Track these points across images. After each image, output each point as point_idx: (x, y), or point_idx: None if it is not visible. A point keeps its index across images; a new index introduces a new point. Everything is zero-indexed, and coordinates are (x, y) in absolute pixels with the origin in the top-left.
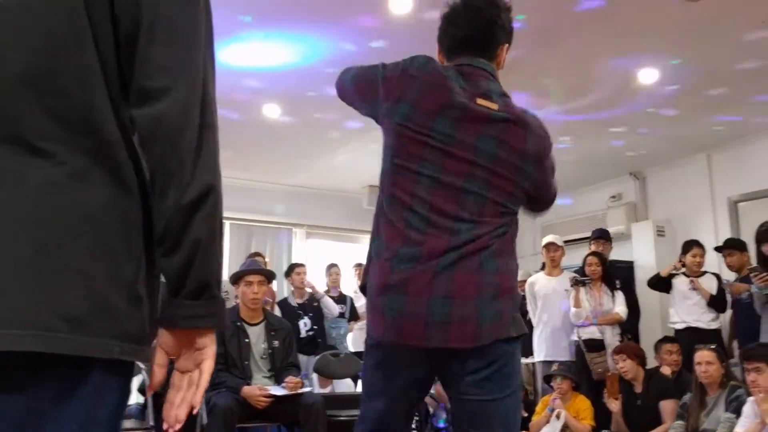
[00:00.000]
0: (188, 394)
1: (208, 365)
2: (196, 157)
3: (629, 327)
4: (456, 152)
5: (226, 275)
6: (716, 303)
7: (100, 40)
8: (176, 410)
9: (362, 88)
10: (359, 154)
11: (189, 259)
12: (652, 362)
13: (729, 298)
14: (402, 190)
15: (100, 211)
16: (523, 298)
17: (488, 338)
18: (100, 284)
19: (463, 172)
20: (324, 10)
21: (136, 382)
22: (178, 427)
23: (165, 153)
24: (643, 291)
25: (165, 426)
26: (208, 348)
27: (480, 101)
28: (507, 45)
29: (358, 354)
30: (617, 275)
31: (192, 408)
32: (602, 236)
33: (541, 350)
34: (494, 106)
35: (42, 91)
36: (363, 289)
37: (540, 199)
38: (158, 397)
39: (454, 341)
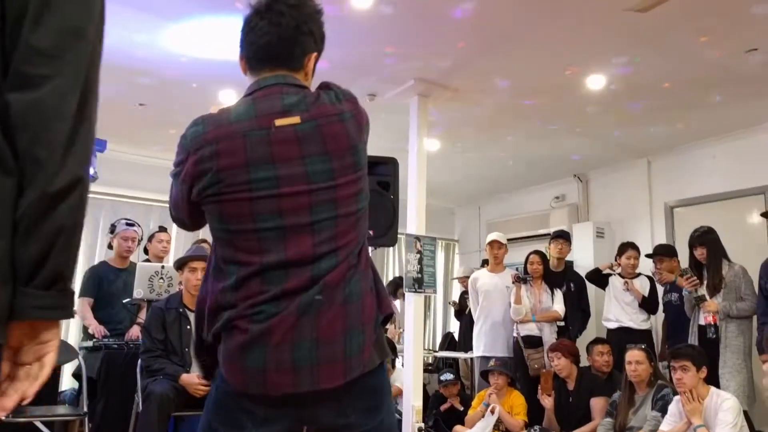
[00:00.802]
0: (23, 386)
1: (50, 358)
2: (68, 149)
3: (580, 327)
4: (287, 191)
5: (172, 261)
6: (648, 304)
7: None
8: (4, 400)
9: (186, 208)
10: None
11: (47, 248)
12: (585, 361)
13: (660, 300)
14: (246, 253)
15: None
16: (466, 293)
17: (357, 371)
18: None
19: (305, 206)
20: None
21: (71, 366)
22: (2, 415)
23: (36, 140)
24: None
25: None
26: (53, 341)
27: (279, 122)
28: (316, 54)
29: None
30: (572, 278)
31: (23, 398)
32: (562, 236)
33: (479, 345)
34: (296, 120)
35: None
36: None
37: None
38: (93, 382)
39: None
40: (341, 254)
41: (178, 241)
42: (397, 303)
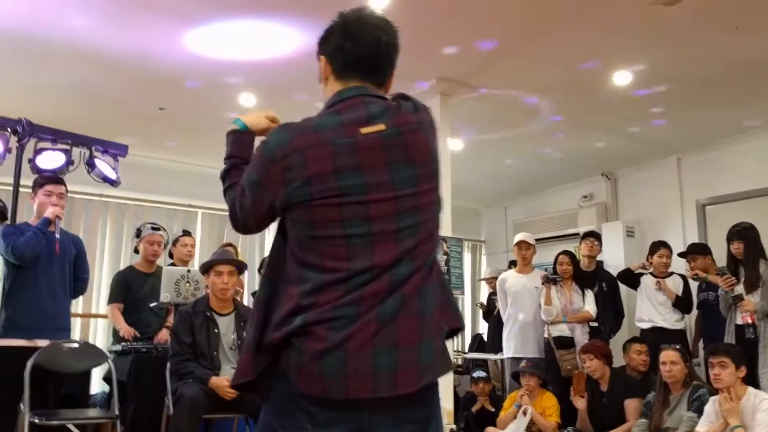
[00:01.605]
0: None
1: None
2: None
3: (613, 327)
4: (374, 197)
5: (197, 265)
6: (682, 304)
7: None
8: None
9: (259, 214)
10: None
11: None
12: (619, 360)
13: (695, 299)
14: (332, 259)
15: None
16: (493, 294)
17: (428, 379)
18: None
19: (391, 213)
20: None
21: (101, 371)
22: None
23: None
24: None
25: None
26: None
27: (365, 130)
28: (393, 71)
29: None
30: (604, 278)
31: None
32: (593, 235)
33: (510, 347)
34: (381, 128)
35: None
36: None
37: None
38: (123, 386)
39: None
40: (417, 262)
41: (202, 245)
42: None
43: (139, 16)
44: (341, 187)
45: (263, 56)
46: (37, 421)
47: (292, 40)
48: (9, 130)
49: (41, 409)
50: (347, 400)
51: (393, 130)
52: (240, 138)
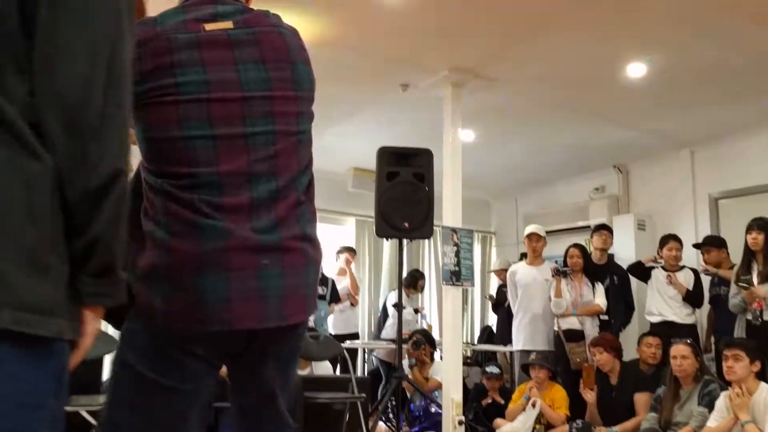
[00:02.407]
0: None
1: (85, 342)
2: (99, 140)
3: (623, 321)
4: (217, 96)
5: None
6: (692, 298)
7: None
8: None
9: None
10: (344, 136)
11: (91, 245)
12: (629, 354)
13: (707, 294)
14: (174, 165)
15: None
16: (503, 286)
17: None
18: None
19: (237, 115)
20: None
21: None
22: None
23: (64, 131)
24: None
25: None
26: (90, 323)
27: (209, 26)
28: None
29: (337, 336)
30: (615, 271)
31: None
32: (605, 228)
33: (519, 339)
34: (228, 25)
35: None
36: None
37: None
38: None
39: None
40: (282, 179)
41: None
42: (417, 296)
43: None
44: (179, 83)
45: None
46: None
47: (308, 28)
48: None
49: None
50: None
51: (243, 30)
52: None
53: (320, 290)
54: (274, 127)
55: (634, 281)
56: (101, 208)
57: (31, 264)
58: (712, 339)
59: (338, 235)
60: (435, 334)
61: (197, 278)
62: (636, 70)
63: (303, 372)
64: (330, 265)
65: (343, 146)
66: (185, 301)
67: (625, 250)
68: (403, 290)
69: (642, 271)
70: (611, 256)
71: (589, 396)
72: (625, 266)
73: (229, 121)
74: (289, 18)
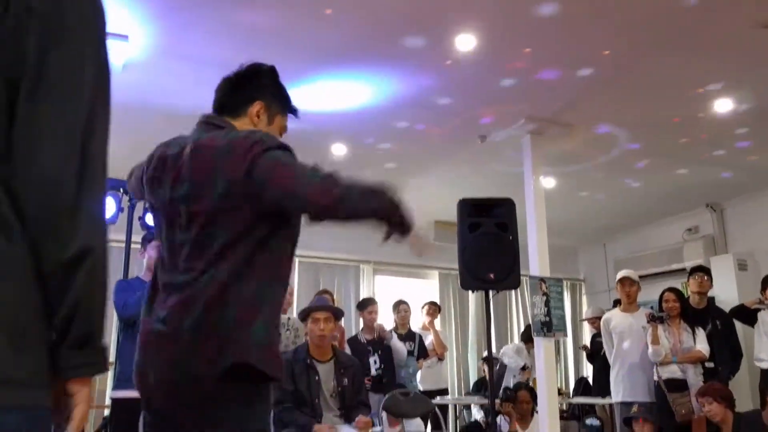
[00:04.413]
0: None
1: (80, 410)
2: (72, 218)
3: (732, 368)
4: (166, 211)
5: (294, 312)
6: None
7: None
8: None
9: None
10: (424, 190)
11: (69, 318)
12: (741, 404)
13: None
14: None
15: None
16: (597, 335)
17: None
18: None
19: (176, 225)
20: (390, 54)
21: None
22: None
23: (39, 210)
24: None
25: None
26: (80, 394)
27: (189, 148)
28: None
29: (427, 393)
30: (717, 315)
31: None
32: (702, 269)
33: (618, 390)
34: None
35: None
36: None
37: (281, 201)
38: None
39: None
40: (191, 274)
41: (301, 293)
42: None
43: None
44: (150, 199)
45: (353, 107)
46: None
47: (383, 92)
48: (121, 190)
49: None
50: None
51: (185, 148)
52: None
53: (408, 346)
54: (192, 235)
55: (739, 325)
56: (74, 279)
57: (11, 341)
58: None
59: (422, 288)
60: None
61: None
62: (723, 105)
63: (395, 430)
64: (416, 320)
65: (421, 200)
66: None
67: (726, 293)
68: (524, 345)
69: (746, 314)
70: (711, 300)
71: None
72: (727, 310)
73: (172, 231)
74: (361, 80)
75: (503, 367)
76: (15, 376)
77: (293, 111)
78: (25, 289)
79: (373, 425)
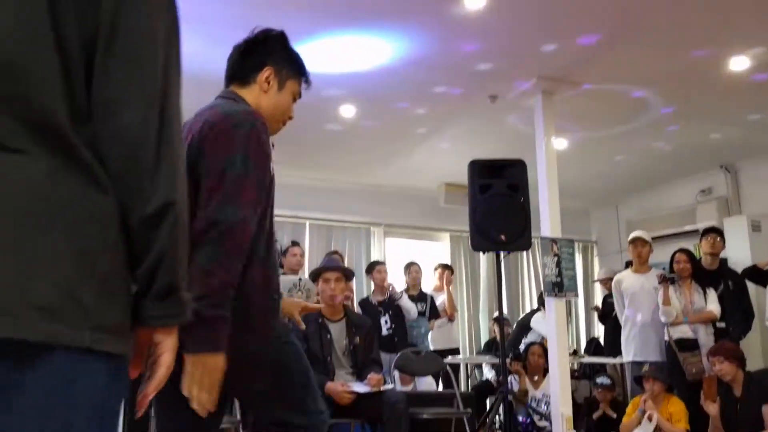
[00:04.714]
0: (143, 385)
1: (166, 358)
2: (155, 174)
3: (743, 328)
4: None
5: (306, 273)
6: None
7: (63, 47)
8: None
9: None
10: (435, 152)
11: (154, 267)
12: (752, 363)
13: None
14: None
15: (74, 205)
16: (608, 296)
17: None
18: (73, 275)
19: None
20: (395, 10)
21: None
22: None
23: (123, 168)
24: None
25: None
26: (166, 343)
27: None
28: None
29: (438, 352)
30: (729, 276)
31: (144, 396)
32: (714, 230)
33: (629, 350)
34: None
35: (5, 96)
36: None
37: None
38: None
39: None
40: None
41: (312, 255)
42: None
43: (241, 35)
44: None
45: (362, 68)
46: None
47: (390, 50)
48: None
49: None
50: None
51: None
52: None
53: (419, 306)
54: None
55: (751, 286)
56: (158, 232)
57: (102, 289)
58: None
59: (433, 250)
60: None
61: None
62: (739, 63)
63: (407, 388)
64: (428, 281)
65: (432, 163)
66: None
67: (739, 254)
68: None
69: (759, 275)
70: (724, 261)
71: (712, 409)
72: (739, 271)
73: None
74: (371, 39)
75: (520, 329)
76: (105, 323)
77: (305, 75)
78: (118, 240)
79: (385, 383)
